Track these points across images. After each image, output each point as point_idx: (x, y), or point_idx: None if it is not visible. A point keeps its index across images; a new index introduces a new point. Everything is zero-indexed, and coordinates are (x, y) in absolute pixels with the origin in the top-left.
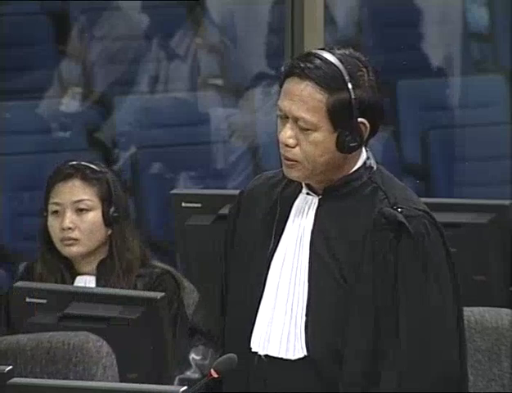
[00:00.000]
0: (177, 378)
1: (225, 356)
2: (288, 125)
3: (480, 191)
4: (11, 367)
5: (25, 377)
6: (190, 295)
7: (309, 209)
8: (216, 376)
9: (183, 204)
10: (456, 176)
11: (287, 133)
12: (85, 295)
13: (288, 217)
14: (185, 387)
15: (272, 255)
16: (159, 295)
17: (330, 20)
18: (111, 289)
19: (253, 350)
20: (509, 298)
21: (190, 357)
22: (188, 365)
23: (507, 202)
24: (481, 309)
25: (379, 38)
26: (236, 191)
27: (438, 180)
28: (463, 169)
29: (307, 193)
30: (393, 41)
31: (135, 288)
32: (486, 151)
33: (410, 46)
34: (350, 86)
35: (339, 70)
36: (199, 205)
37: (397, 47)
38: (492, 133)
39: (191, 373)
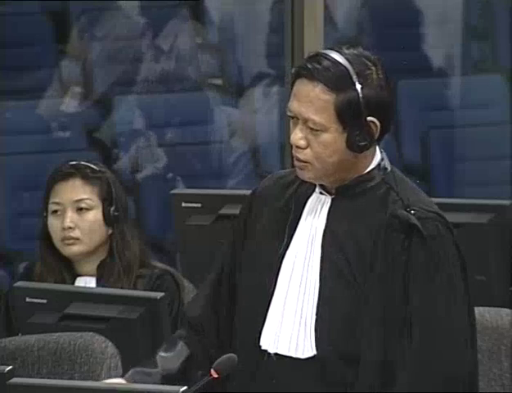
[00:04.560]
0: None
1: (225, 356)
2: (298, 127)
3: (480, 191)
4: (11, 367)
5: (33, 377)
6: (190, 295)
7: (322, 208)
8: (216, 376)
9: (183, 204)
10: (456, 176)
11: (297, 135)
12: (85, 295)
13: (301, 216)
14: (185, 387)
15: (284, 254)
16: (159, 295)
17: (330, 20)
18: (111, 289)
19: (263, 348)
20: (509, 298)
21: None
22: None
23: (507, 202)
24: (481, 309)
25: (379, 38)
26: (236, 192)
27: (438, 180)
28: (463, 169)
29: (321, 192)
30: (393, 41)
31: (135, 288)
32: (486, 151)
33: (410, 46)
34: (358, 85)
35: (347, 70)
36: (199, 205)
37: (397, 48)
38: (492, 133)
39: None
